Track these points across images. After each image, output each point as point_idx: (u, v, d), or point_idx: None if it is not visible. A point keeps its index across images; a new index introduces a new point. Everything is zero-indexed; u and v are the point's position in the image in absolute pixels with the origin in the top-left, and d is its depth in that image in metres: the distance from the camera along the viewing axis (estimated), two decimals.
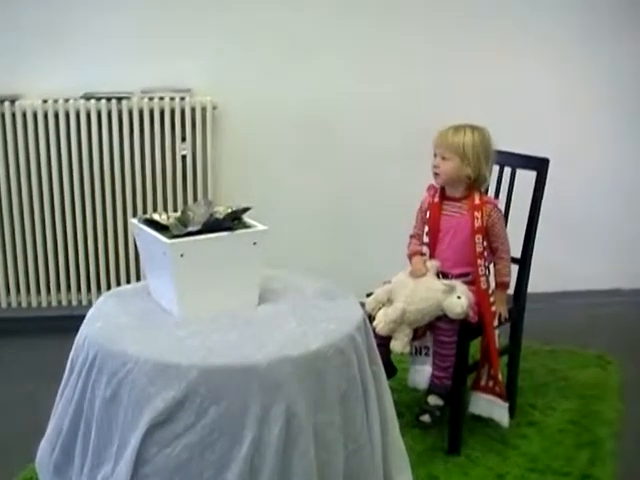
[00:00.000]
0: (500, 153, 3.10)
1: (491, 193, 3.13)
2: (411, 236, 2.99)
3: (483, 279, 2.81)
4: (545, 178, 3.00)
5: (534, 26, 4.03)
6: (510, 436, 2.97)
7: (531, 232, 3.02)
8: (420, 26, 3.97)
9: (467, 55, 4.00)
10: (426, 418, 2.77)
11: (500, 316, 2.89)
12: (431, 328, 2.80)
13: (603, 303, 4.30)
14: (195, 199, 3.80)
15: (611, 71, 4.16)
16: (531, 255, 3.04)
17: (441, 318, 2.76)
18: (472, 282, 2.82)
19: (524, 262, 3.03)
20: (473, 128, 2.84)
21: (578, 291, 4.32)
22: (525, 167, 3.05)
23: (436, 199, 2.90)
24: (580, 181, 4.23)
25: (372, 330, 2.42)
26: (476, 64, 4.01)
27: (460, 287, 2.76)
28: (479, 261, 2.80)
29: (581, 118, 4.19)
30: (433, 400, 2.81)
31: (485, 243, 2.82)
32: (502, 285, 2.92)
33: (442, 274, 2.85)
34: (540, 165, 3.00)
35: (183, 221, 2.26)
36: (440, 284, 2.76)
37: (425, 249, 2.92)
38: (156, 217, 2.26)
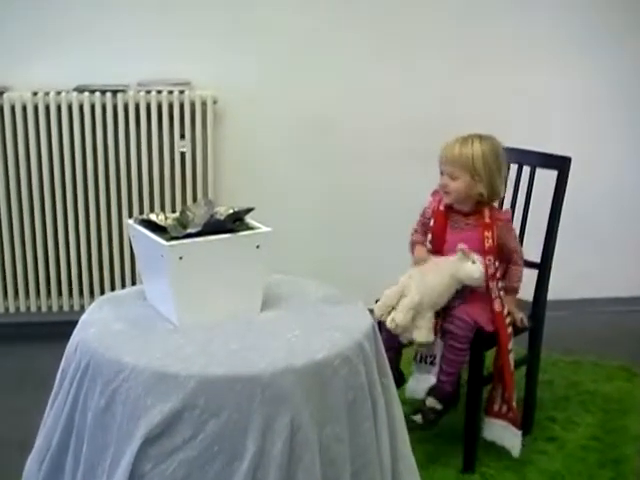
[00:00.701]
0: (519, 151, 3.11)
1: (509, 194, 3.14)
2: (414, 230, 2.97)
3: (497, 301, 2.79)
4: (567, 178, 3.00)
5: (547, 25, 4.06)
6: (528, 452, 2.97)
7: (551, 235, 3.02)
8: (427, 26, 4.02)
9: (477, 53, 4.05)
10: (418, 418, 2.77)
11: (520, 321, 2.89)
12: (442, 334, 2.81)
13: (628, 311, 4.31)
14: (194, 199, 3.82)
15: (631, 70, 4.20)
16: (551, 260, 3.04)
17: (453, 321, 2.76)
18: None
19: (544, 267, 3.04)
20: (481, 138, 2.77)
21: (601, 298, 4.32)
22: (545, 166, 3.05)
23: (441, 207, 2.86)
24: (604, 182, 4.24)
25: (383, 333, 2.43)
26: (486, 63, 4.07)
27: (472, 254, 2.73)
28: (491, 284, 2.77)
29: (603, 117, 4.21)
30: (430, 402, 2.82)
31: (497, 263, 2.79)
32: (513, 290, 2.91)
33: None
34: (561, 164, 3.00)
35: (182, 222, 2.26)
36: (448, 258, 2.76)
37: (428, 244, 2.90)
38: (153, 218, 2.27)
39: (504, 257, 2.86)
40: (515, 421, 2.87)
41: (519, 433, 2.88)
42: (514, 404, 2.86)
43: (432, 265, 2.79)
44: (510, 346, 2.83)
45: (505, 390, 2.85)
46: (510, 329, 2.83)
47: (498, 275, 2.79)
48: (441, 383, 2.82)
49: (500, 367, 2.85)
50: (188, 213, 2.30)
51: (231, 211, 2.29)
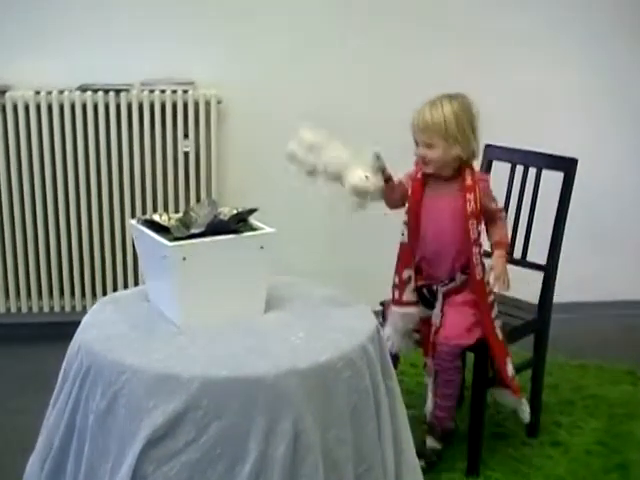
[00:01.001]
0: (525, 152, 3.11)
1: (515, 194, 3.14)
2: None
3: (479, 268, 2.73)
4: (573, 179, 2.99)
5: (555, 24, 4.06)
6: (533, 456, 2.96)
7: (557, 237, 3.01)
8: (431, 25, 4.01)
9: (483, 52, 4.05)
10: (421, 463, 2.56)
11: (503, 282, 2.76)
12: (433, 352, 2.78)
13: (635, 315, 4.29)
14: (198, 199, 3.81)
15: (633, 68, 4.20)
16: (557, 262, 3.03)
17: (439, 355, 2.73)
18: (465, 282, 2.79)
19: (550, 269, 3.03)
20: (451, 98, 2.71)
21: (608, 301, 4.31)
22: (551, 168, 3.05)
23: (419, 175, 2.76)
24: (610, 183, 4.23)
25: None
26: (493, 62, 4.06)
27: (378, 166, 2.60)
28: (474, 249, 2.71)
29: (604, 116, 4.20)
30: (431, 443, 2.81)
31: (480, 227, 2.72)
32: (503, 245, 2.82)
33: (427, 288, 2.84)
34: (568, 165, 3.00)
35: (185, 222, 2.26)
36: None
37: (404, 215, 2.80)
38: (156, 218, 2.27)
39: (487, 219, 2.79)
40: (514, 389, 2.84)
41: (521, 400, 2.87)
42: (509, 373, 2.80)
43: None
44: (494, 314, 2.77)
45: (494, 359, 2.78)
46: (492, 297, 2.78)
47: (480, 240, 2.73)
48: (439, 420, 2.79)
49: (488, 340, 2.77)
50: (191, 214, 2.30)
51: (235, 212, 2.29)
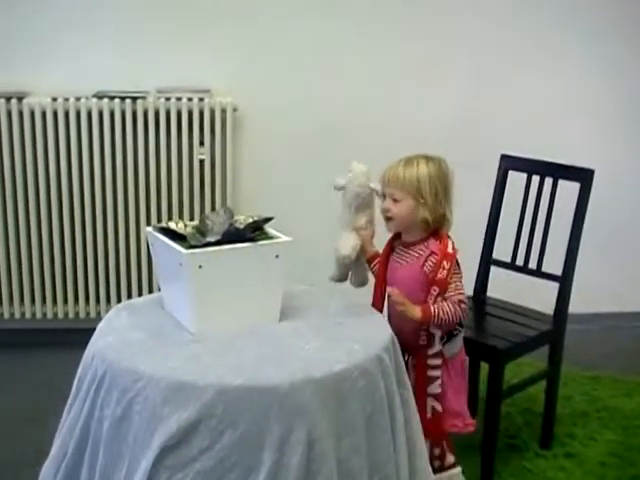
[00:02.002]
0: (541, 163, 3.10)
1: (530, 205, 3.13)
2: None
3: (424, 335, 2.50)
4: (589, 190, 2.98)
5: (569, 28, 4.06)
6: (547, 468, 2.95)
7: (573, 248, 3.00)
8: (441, 32, 4.01)
9: (492, 63, 4.06)
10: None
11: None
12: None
13: None
14: (213, 207, 3.82)
15: None
16: (572, 273, 3.02)
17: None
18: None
19: (565, 280, 3.02)
20: (428, 159, 2.52)
21: (622, 312, 4.29)
22: (567, 178, 3.04)
23: (387, 245, 2.63)
24: (624, 195, 4.22)
25: None
26: (503, 69, 4.06)
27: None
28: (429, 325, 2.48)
29: (622, 128, 4.20)
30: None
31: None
32: (425, 310, 2.45)
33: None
34: (584, 176, 2.99)
35: (201, 230, 2.27)
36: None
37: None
38: (172, 226, 2.28)
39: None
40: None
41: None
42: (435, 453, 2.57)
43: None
44: (433, 389, 2.52)
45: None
46: (437, 372, 2.53)
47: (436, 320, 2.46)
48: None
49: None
50: (207, 222, 2.30)
51: (250, 220, 2.29)
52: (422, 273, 2.49)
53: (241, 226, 2.26)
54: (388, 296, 2.50)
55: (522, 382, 3.09)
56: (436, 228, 2.53)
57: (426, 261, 2.50)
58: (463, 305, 2.48)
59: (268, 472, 1.90)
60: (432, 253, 2.50)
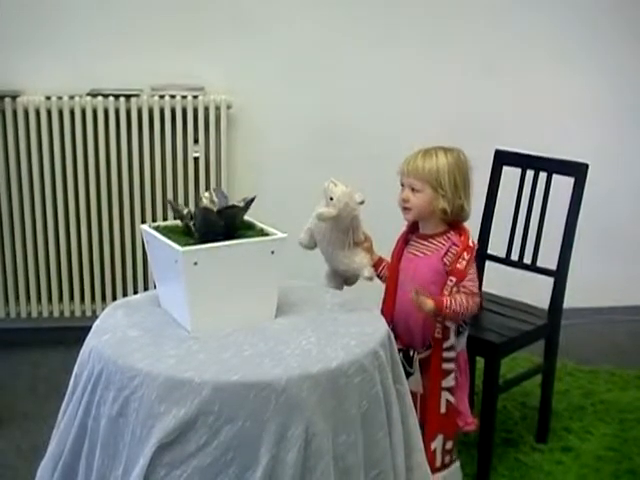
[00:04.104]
0: (535, 157, 3.11)
1: (525, 199, 3.13)
2: None
3: (439, 327, 2.53)
4: (584, 184, 2.99)
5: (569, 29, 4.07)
6: (543, 462, 2.96)
7: (568, 243, 3.01)
8: (440, 32, 4.02)
9: (490, 60, 4.07)
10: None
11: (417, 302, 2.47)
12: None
13: None
14: None
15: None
16: (567, 267, 3.03)
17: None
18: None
19: (560, 275, 3.02)
20: (446, 150, 2.53)
21: (618, 307, 4.31)
22: (562, 173, 3.04)
23: (401, 238, 2.64)
24: (620, 190, 4.23)
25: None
26: (503, 69, 4.08)
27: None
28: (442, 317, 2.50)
29: (617, 121, 4.21)
30: None
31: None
32: (439, 302, 2.46)
33: (403, 353, 2.55)
34: (578, 170, 2.99)
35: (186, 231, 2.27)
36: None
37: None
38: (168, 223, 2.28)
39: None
40: (432, 466, 2.49)
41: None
42: (432, 448, 2.56)
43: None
44: (446, 383, 2.56)
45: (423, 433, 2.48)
46: (452, 364, 2.57)
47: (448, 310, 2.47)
48: None
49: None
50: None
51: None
52: (442, 263, 2.52)
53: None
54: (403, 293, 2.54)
55: (518, 376, 3.10)
56: (453, 220, 2.56)
57: (447, 252, 2.53)
58: (477, 299, 2.52)
59: (265, 468, 1.90)
60: (453, 244, 2.53)
